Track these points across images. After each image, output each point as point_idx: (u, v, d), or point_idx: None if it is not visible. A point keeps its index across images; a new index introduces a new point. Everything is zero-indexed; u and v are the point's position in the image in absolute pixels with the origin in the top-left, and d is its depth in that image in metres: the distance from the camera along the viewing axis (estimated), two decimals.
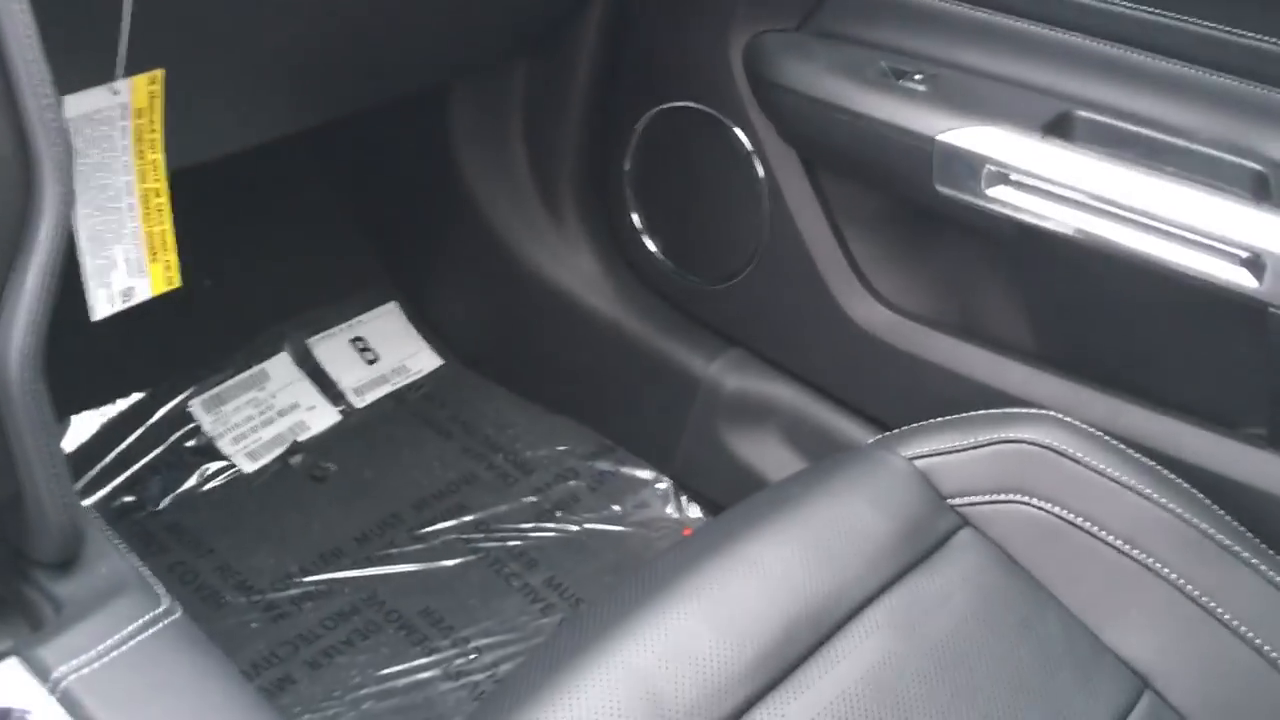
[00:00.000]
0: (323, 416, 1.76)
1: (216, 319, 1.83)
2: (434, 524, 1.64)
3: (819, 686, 0.90)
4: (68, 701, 0.70)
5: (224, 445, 1.70)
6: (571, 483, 1.72)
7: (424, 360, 1.89)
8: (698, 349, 1.66)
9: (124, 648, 0.75)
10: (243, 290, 1.87)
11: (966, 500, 1.10)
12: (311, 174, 1.97)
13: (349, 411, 1.79)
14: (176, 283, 1.12)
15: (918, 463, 1.11)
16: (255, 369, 1.77)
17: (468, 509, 1.67)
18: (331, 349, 1.84)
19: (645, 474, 1.73)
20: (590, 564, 1.61)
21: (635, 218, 1.67)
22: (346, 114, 1.54)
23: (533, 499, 1.70)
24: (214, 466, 1.68)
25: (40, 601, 0.78)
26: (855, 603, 0.97)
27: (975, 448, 1.12)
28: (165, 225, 1.10)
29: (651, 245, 1.67)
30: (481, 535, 1.64)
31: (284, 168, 1.92)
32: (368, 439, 1.76)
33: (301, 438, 1.73)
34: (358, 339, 1.87)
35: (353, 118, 1.59)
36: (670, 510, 1.70)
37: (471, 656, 1.48)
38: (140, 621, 0.76)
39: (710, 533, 1.10)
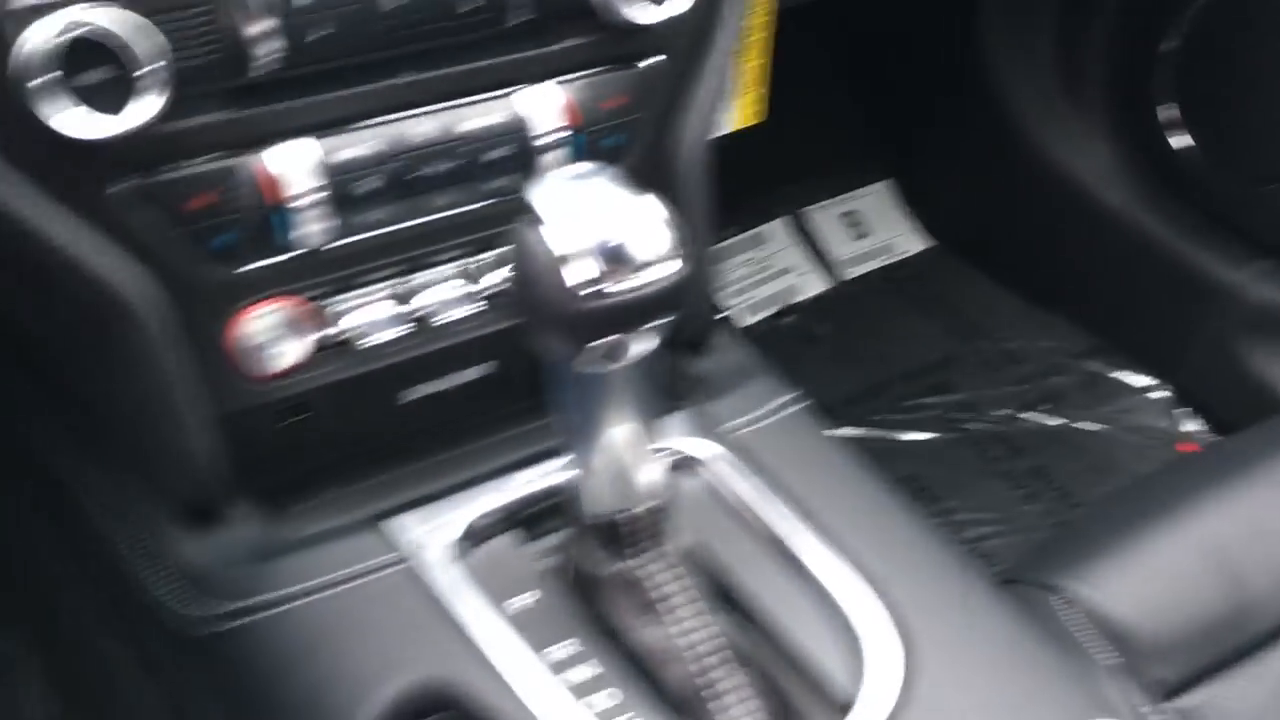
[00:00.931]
0: (813, 283, 1.81)
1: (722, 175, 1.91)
2: (920, 397, 1.66)
3: None
4: (739, 449, 0.79)
5: (725, 297, 1.79)
6: (1058, 378, 1.68)
7: (911, 241, 1.89)
8: (1223, 255, 1.55)
9: (779, 415, 0.82)
10: (744, 150, 1.94)
11: None
12: (820, 46, 2.00)
13: (838, 281, 1.84)
14: (763, 116, 1.17)
15: None
16: (754, 230, 1.85)
17: (952, 388, 1.67)
18: (824, 220, 1.88)
19: (1140, 380, 1.65)
20: (1078, 460, 1.57)
21: (1170, 109, 1.58)
22: None
23: (1017, 388, 1.68)
24: None
25: (681, 375, 0.87)
26: None
27: None
28: (764, 59, 1.15)
29: (1185, 139, 1.57)
30: (967, 415, 1.64)
31: (792, 39, 1.96)
32: (856, 309, 1.79)
33: (793, 300, 1.80)
34: (849, 213, 1.90)
35: None
36: (1163, 421, 1.62)
37: (955, 529, 1.50)
38: (787, 398, 0.83)
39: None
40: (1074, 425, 1.62)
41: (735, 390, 0.82)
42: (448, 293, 0.79)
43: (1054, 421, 1.63)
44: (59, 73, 0.62)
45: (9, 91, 0.62)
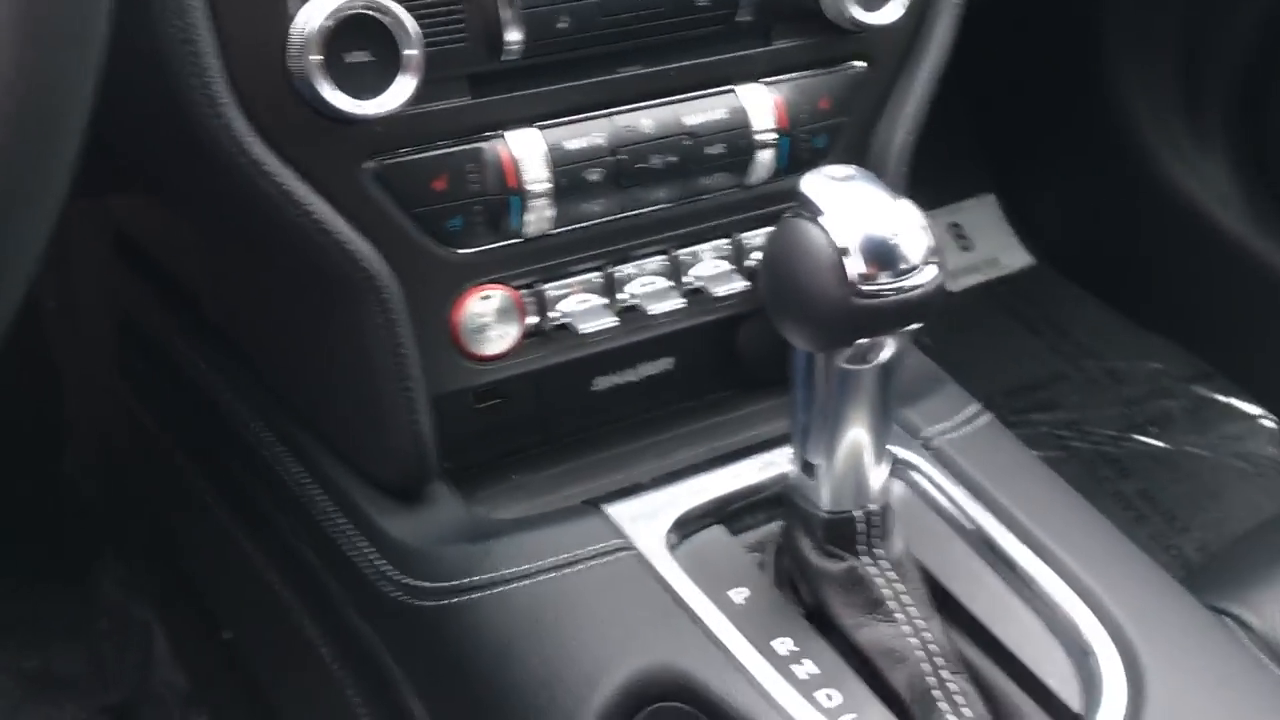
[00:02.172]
0: None
1: None
2: (1026, 414, 1.65)
3: None
4: (940, 456, 0.79)
5: None
6: (1165, 401, 1.67)
7: (1016, 256, 1.88)
8: None
9: (974, 424, 0.82)
10: None
11: None
12: None
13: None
14: None
15: None
16: None
17: (1059, 406, 1.67)
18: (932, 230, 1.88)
19: (1249, 408, 1.64)
20: (1185, 484, 1.57)
21: None
22: None
23: (1124, 409, 1.67)
24: None
25: None
26: None
27: None
28: None
29: None
30: (1073, 434, 1.64)
31: None
32: (959, 322, 1.79)
33: None
34: (954, 225, 1.89)
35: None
36: (1272, 449, 1.61)
37: None
38: (977, 407, 0.84)
39: None
40: (1181, 449, 1.62)
41: (925, 397, 0.83)
42: (655, 285, 0.80)
43: (1161, 444, 1.62)
44: (331, 52, 0.64)
45: (284, 64, 0.63)
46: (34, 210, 0.31)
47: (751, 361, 0.90)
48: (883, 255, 0.58)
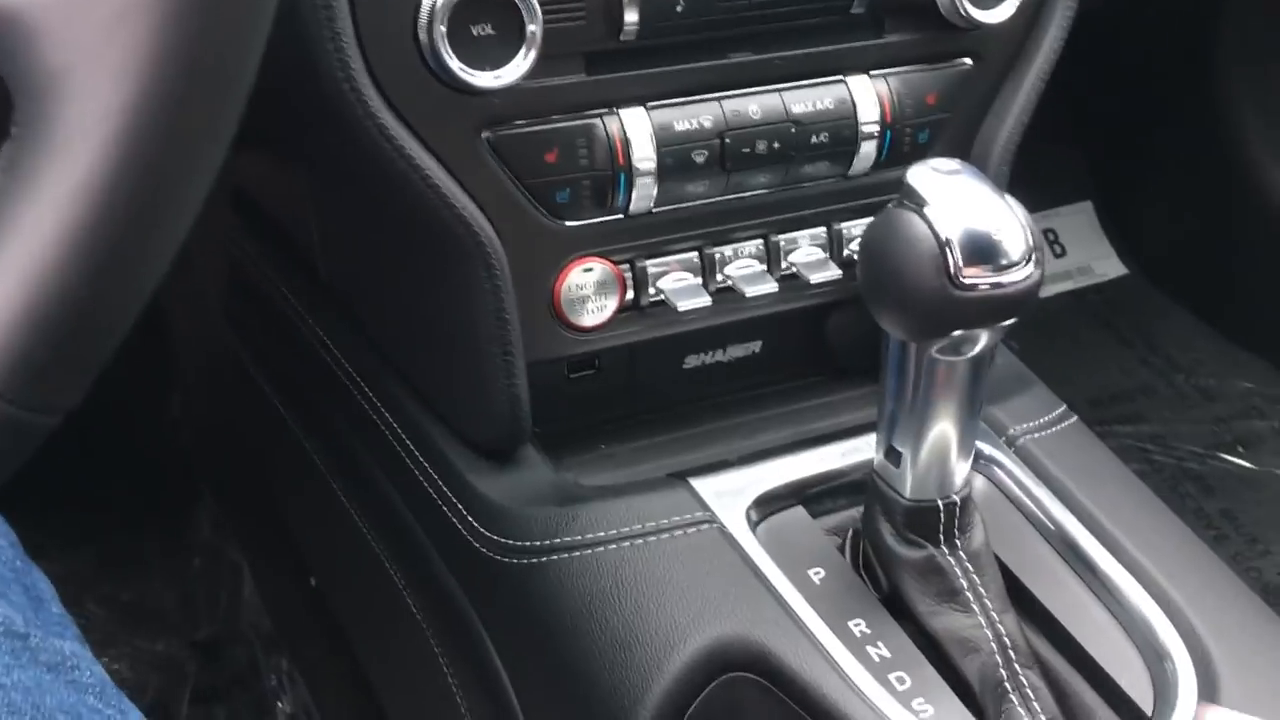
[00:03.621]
0: None
1: None
2: (1110, 424, 1.64)
3: None
4: (1024, 454, 0.80)
5: None
6: (1255, 421, 1.64)
7: (1109, 265, 1.86)
8: None
9: (1061, 425, 0.83)
10: None
11: None
12: None
13: None
14: None
15: None
16: None
17: (1145, 419, 1.65)
18: None
19: None
20: (1269, 506, 1.54)
21: None
22: None
23: (1212, 427, 1.65)
24: None
25: None
26: None
27: None
28: None
29: None
30: (1157, 448, 1.62)
31: None
32: (1047, 328, 1.77)
33: None
34: (1049, 230, 1.87)
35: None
36: None
37: None
38: (1063, 408, 0.84)
39: None
40: (1268, 471, 1.59)
41: (1012, 396, 0.83)
42: (750, 268, 0.81)
43: (1249, 464, 1.60)
44: (457, 24, 0.66)
45: (414, 34, 0.66)
46: (206, 163, 0.34)
47: (839, 349, 0.92)
48: (984, 250, 0.59)
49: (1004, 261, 0.59)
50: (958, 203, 0.60)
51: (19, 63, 0.31)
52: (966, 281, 0.58)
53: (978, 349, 0.62)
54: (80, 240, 0.32)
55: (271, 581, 1.25)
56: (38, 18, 0.31)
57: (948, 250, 0.58)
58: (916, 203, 0.60)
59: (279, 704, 1.20)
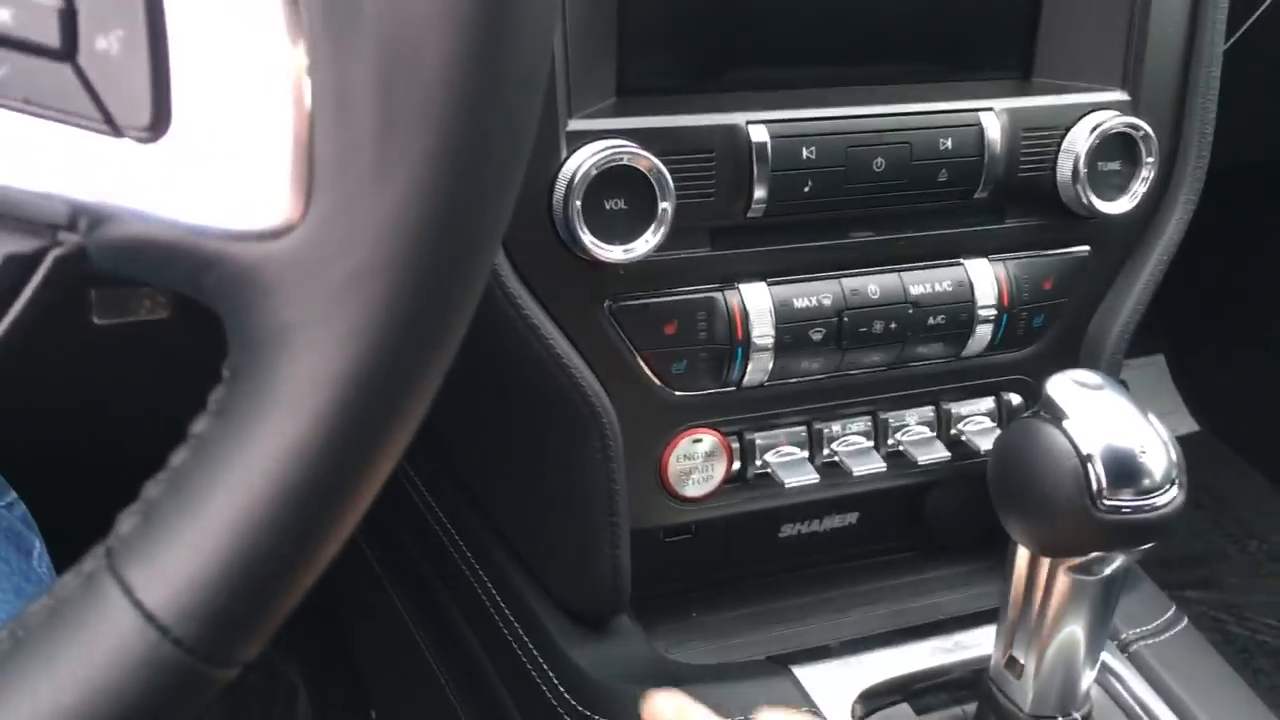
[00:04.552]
0: None
1: None
2: (1182, 590, 1.59)
3: None
4: (1139, 664, 0.78)
5: None
6: None
7: (1181, 422, 1.84)
8: None
9: (1173, 629, 0.80)
10: None
11: None
12: None
13: None
14: None
15: None
16: None
17: (1217, 585, 1.61)
18: None
19: None
20: None
21: None
22: None
23: None
24: None
25: None
26: None
27: None
28: None
29: None
30: (1231, 618, 1.57)
31: None
32: None
33: None
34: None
35: None
36: None
37: None
38: (1174, 611, 0.82)
39: None
40: None
41: (1124, 596, 0.81)
42: (858, 445, 0.80)
43: None
44: (592, 198, 0.67)
45: (549, 206, 0.66)
46: (412, 424, 0.34)
47: (935, 526, 0.90)
48: (1128, 470, 0.57)
49: (1147, 484, 0.58)
50: (1101, 419, 0.58)
51: (245, 315, 0.31)
52: (1108, 503, 0.57)
53: (1111, 570, 0.61)
54: (288, 498, 0.31)
55: (327, 707, 1.23)
56: (273, 275, 0.31)
57: (1090, 468, 0.57)
58: (1056, 416, 0.59)
59: None
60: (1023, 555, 0.63)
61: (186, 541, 0.31)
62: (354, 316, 0.30)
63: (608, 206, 0.68)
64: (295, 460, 0.30)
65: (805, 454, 0.79)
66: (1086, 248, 0.82)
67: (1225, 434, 1.83)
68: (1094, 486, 0.57)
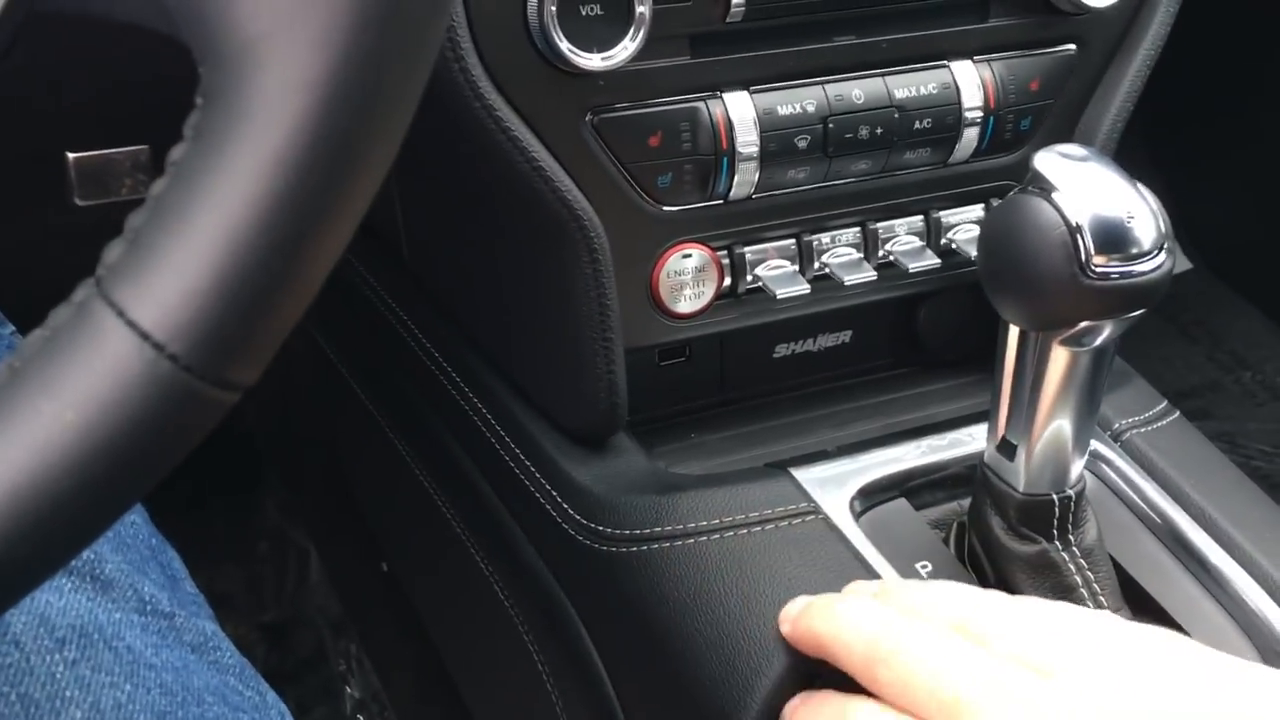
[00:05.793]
0: None
1: None
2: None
3: None
4: (1131, 451, 0.79)
5: None
6: None
7: (1175, 260, 1.84)
8: None
9: (1165, 420, 0.81)
10: None
11: None
12: None
13: None
14: None
15: None
16: None
17: (1210, 416, 1.62)
18: None
19: None
20: None
21: None
22: None
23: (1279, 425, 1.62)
24: None
25: None
26: None
27: None
28: None
29: None
30: (1225, 446, 1.58)
31: None
32: None
33: None
34: None
35: None
36: None
37: None
38: (1165, 405, 0.83)
39: None
40: None
41: (1115, 390, 0.82)
42: (848, 256, 0.80)
43: None
44: (567, 4, 0.65)
45: (523, 14, 0.65)
46: (397, 128, 0.33)
47: (929, 341, 0.90)
48: (1116, 237, 0.57)
49: (1135, 250, 0.57)
50: (1088, 189, 0.58)
51: (210, 34, 0.31)
52: (1097, 270, 0.57)
53: (1102, 340, 0.61)
54: (273, 210, 0.31)
55: (340, 566, 1.25)
56: None
57: (1079, 237, 0.57)
58: (1044, 188, 0.59)
59: (347, 688, 1.20)
60: (1014, 335, 0.63)
61: (175, 261, 0.31)
62: (325, 18, 0.30)
63: (583, 13, 0.67)
64: (277, 171, 0.30)
65: (795, 267, 0.79)
66: (1072, 46, 0.81)
67: (1220, 270, 1.82)
68: (1083, 255, 0.57)
